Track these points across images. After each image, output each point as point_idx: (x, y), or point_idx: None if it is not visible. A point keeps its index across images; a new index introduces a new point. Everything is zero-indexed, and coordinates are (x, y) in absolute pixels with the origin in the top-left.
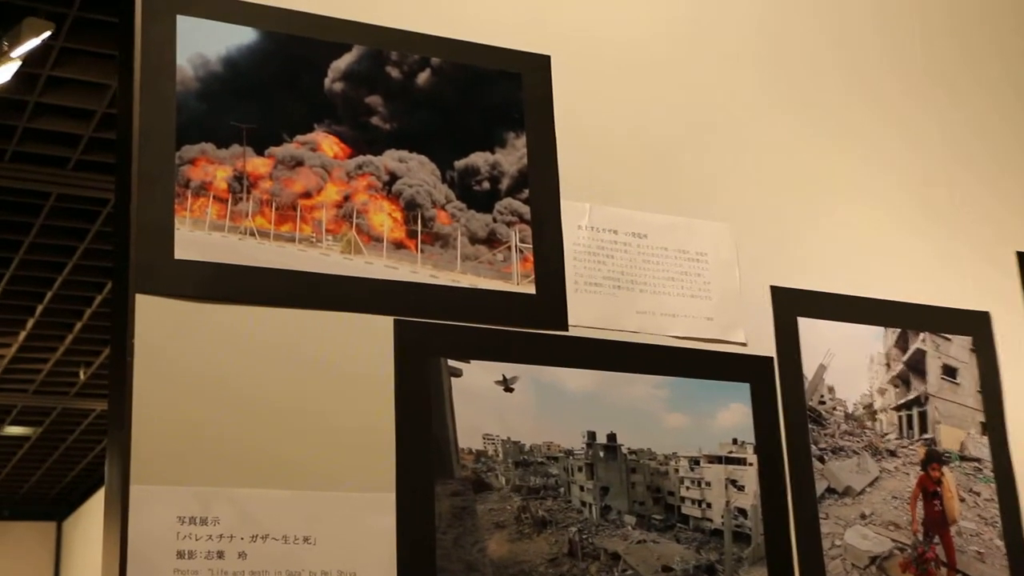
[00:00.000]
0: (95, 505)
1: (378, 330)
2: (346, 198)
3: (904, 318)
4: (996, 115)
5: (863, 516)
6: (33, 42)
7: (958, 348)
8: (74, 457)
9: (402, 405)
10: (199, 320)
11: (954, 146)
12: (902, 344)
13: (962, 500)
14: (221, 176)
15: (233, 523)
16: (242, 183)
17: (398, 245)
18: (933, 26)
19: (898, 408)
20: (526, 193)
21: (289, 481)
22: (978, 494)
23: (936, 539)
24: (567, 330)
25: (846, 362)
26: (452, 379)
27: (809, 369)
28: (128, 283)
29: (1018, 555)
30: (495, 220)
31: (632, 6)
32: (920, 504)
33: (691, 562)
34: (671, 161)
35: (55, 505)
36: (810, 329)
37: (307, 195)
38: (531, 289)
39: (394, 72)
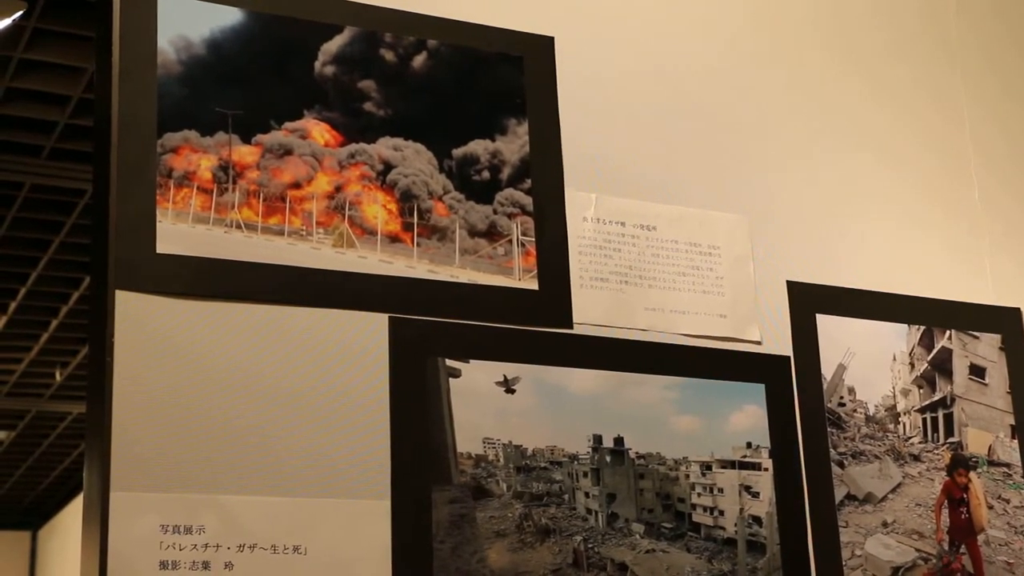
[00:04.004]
0: (72, 514)
1: (372, 328)
2: (338, 189)
3: (929, 315)
4: (1018, 111)
5: (885, 524)
6: (4, 22)
7: (986, 346)
8: (50, 463)
9: (397, 407)
10: (182, 318)
11: (976, 141)
12: (927, 342)
13: (990, 507)
14: (205, 165)
15: (219, 532)
16: (228, 173)
17: (393, 238)
18: (952, 23)
19: (922, 410)
20: (528, 183)
21: (278, 487)
22: (1007, 501)
23: (962, 549)
24: (571, 328)
25: (867, 362)
26: (450, 380)
27: (828, 369)
28: (107, 279)
29: None
30: (496, 212)
31: None
32: (945, 512)
33: (703, 573)
34: (682, 149)
35: (29, 514)
36: (829, 327)
37: (296, 185)
38: (533, 285)
39: (388, 55)
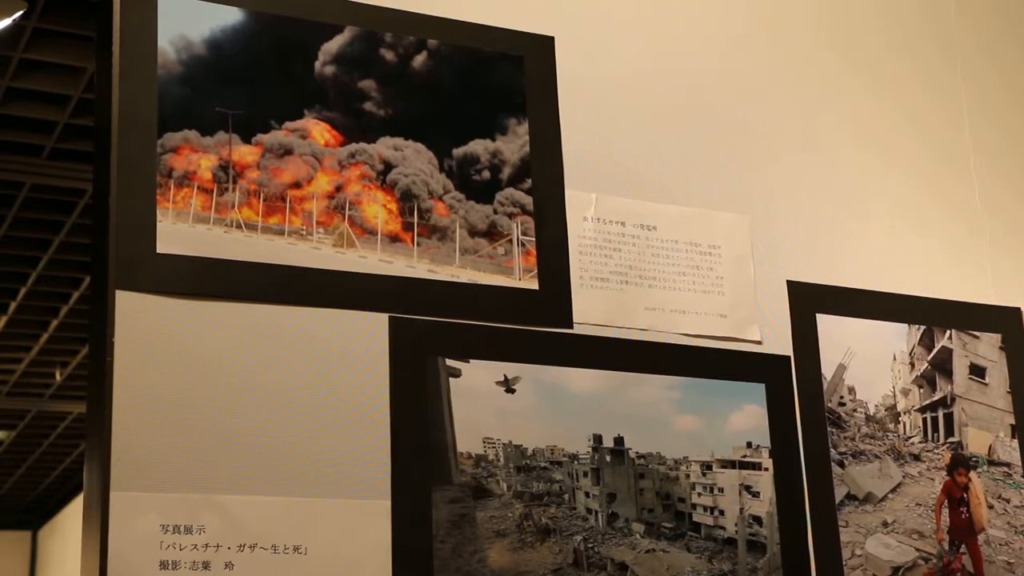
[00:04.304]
0: (73, 513)
1: (372, 328)
2: (338, 188)
3: (929, 314)
4: (1018, 110)
5: (885, 524)
6: (4, 22)
7: (987, 346)
8: (50, 463)
9: (397, 407)
10: (182, 317)
11: (976, 141)
12: (927, 342)
13: (990, 507)
14: (206, 165)
15: (219, 531)
16: (228, 173)
17: (393, 238)
18: (952, 22)
19: (923, 410)
20: (528, 183)
21: (279, 487)
22: (1007, 501)
23: (962, 548)
24: (572, 328)
25: (867, 361)
26: (450, 379)
27: (828, 369)
28: (107, 278)
29: None
30: (496, 211)
31: None
32: (945, 511)
33: (703, 572)
34: (682, 149)
35: (30, 513)
36: (829, 326)
37: (297, 185)
38: (534, 284)
39: (389, 55)
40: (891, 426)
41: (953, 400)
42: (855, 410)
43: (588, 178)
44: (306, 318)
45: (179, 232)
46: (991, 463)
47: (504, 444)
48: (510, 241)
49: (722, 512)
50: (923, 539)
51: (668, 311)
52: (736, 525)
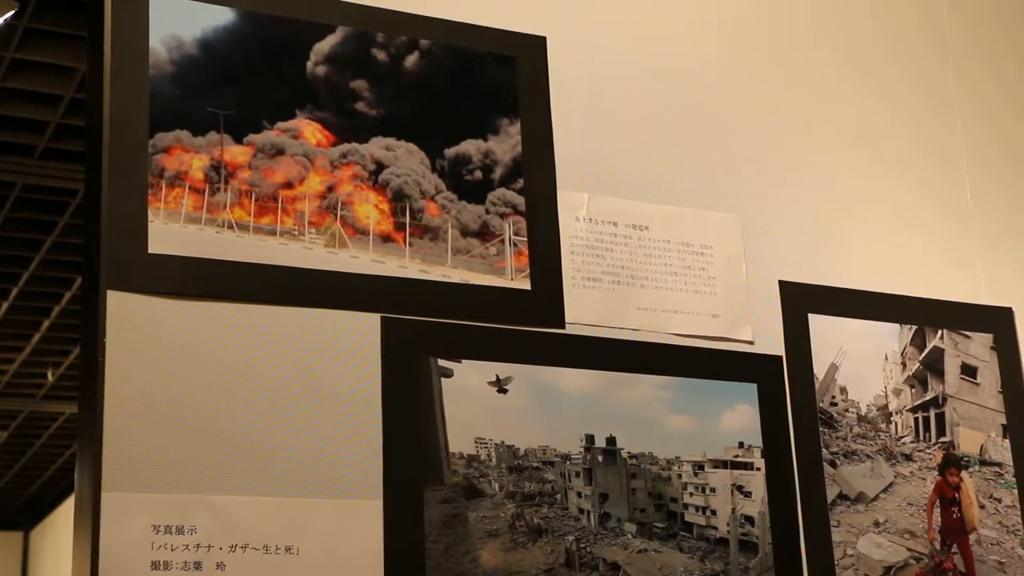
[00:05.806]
0: (65, 514)
1: (364, 328)
2: (330, 188)
3: (921, 314)
4: (1010, 111)
5: (877, 524)
6: None
7: (978, 346)
8: (42, 463)
9: (390, 407)
10: (174, 318)
11: (968, 141)
12: (919, 342)
13: (982, 507)
14: (197, 165)
15: (211, 532)
16: (220, 173)
17: (385, 238)
18: (946, 22)
19: (914, 410)
20: (520, 183)
21: (270, 487)
22: (999, 500)
23: (954, 548)
24: (564, 328)
25: (859, 361)
26: (442, 380)
27: (820, 369)
28: (99, 279)
29: None
30: (488, 212)
31: None
32: (937, 511)
33: (695, 572)
34: (674, 149)
35: (22, 514)
36: (821, 326)
37: (288, 185)
38: (526, 285)
39: (380, 55)
40: (883, 426)
41: (945, 400)
42: (847, 410)
43: (580, 178)
44: (298, 318)
45: (171, 232)
46: (983, 463)
47: (496, 444)
48: (502, 241)
49: (714, 512)
50: (915, 539)
51: (660, 311)
52: (728, 525)
